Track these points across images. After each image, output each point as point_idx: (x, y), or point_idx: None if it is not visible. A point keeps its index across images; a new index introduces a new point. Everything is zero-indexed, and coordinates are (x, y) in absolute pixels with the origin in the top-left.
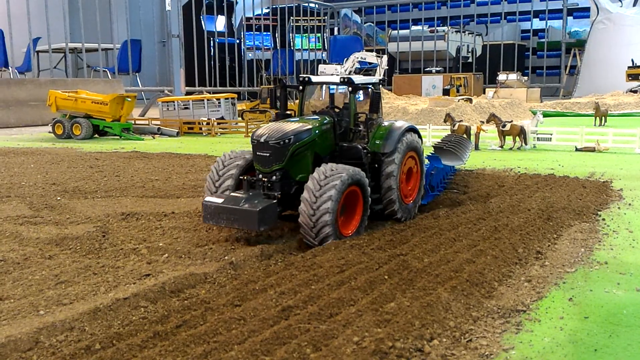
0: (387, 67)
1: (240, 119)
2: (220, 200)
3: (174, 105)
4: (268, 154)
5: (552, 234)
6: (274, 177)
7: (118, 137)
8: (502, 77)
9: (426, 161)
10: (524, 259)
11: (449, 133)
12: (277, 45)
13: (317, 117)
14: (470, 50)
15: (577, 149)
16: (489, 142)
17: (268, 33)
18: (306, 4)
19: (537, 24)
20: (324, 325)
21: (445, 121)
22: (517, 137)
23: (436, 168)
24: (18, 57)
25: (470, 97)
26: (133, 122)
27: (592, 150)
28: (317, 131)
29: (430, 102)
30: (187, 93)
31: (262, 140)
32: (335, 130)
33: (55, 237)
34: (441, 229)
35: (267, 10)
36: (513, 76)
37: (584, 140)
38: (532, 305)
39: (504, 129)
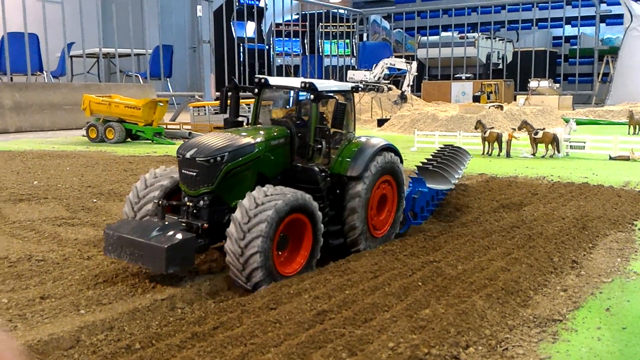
0: (416, 74)
1: None
2: (125, 229)
3: (205, 110)
4: (194, 174)
5: (587, 243)
6: (202, 203)
7: (150, 141)
8: (533, 84)
9: (408, 179)
10: (559, 268)
11: (444, 145)
12: (306, 51)
13: (272, 127)
14: (500, 56)
15: (610, 158)
16: (521, 149)
17: (297, 39)
18: (335, 10)
19: (569, 30)
20: (359, 330)
21: (476, 128)
22: (550, 145)
23: (420, 191)
24: (53, 61)
25: (501, 104)
26: (165, 126)
27: (627, 159)
28: (262, 147)
29: (461, 108)
30: (217, 98)
31: (187, 156)
32: (293, 145)
33: (92, 238)
34: (474, 236)
35: (296, 17)
36: (545, 83)
37: (618, 149)
38: (568, 314)
39: (536, 137)
